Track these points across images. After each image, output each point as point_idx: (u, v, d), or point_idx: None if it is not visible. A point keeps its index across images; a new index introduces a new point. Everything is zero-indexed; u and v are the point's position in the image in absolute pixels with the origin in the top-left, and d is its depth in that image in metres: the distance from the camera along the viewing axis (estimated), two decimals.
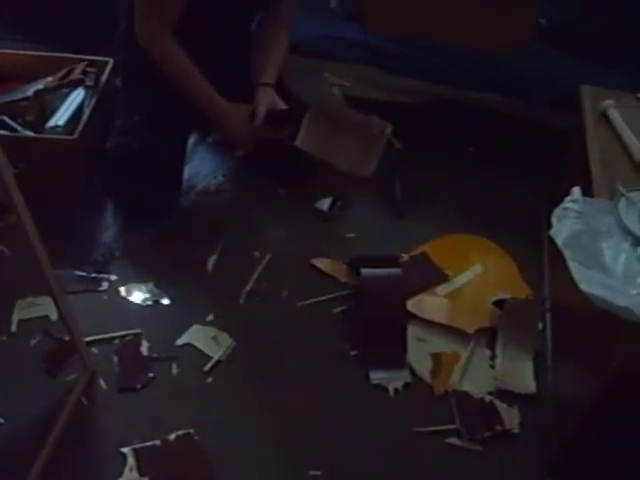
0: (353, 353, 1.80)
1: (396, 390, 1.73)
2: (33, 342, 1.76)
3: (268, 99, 2.02)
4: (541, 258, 2.02)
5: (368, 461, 1.59)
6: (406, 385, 1.73)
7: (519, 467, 1.58)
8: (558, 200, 1.51)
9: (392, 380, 1.74)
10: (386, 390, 1.72)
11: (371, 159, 2.08)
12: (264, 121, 2.00)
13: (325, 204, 2.20)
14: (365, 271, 1.85)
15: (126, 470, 1.50)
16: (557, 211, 1.46)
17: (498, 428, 1.63)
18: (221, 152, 2.40)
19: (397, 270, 1.88)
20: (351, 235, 2.13)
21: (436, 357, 1.79)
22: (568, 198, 1.48)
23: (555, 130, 2.15)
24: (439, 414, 1.67)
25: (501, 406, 1.68)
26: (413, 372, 1.76)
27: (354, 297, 1.93)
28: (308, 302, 1.92)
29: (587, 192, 1.52)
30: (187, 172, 2.25)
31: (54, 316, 1.75)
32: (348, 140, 2.09)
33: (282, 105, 2.03)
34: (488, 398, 1.69)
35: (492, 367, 1.77)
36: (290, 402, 1.69)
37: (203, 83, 1.97)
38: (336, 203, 2.21)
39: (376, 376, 1.75)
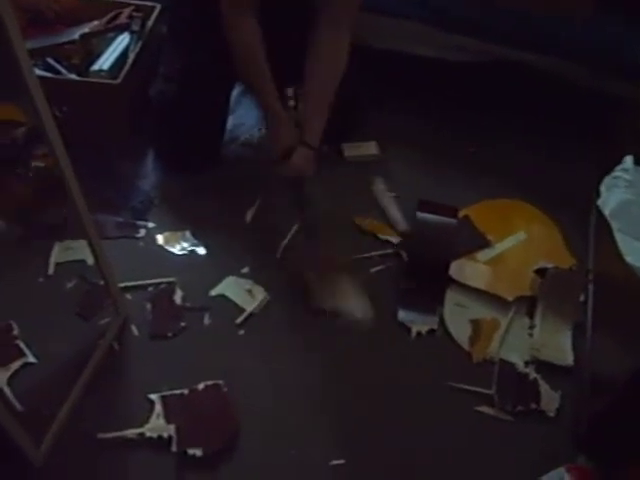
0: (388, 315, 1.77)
1: (419, 333, 1.72)
2: (69, 285, 1.78)
3: (300, 162, 1.81)
4: (587, 228, 1.95)
5: (385, 408, 1.60)
6: (431, 332, 1.72)
7: (549, 440, 1.54)
8: (609, 169, 1.44)
9: (418, 322, 1.74)
10: (409, 331, 1.72)
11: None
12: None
13: None
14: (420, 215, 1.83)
15: (153, 417, 1.51)
16: (606, 180, 1.41)
17: (533, 406, 1.59)
18: None
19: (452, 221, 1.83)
20: (393, 195, 2.08)
21: (476, 323, 1.76)
22: (619, 167, 1.42)
23: (609, 97, 2.06)
24: (475, 380, 1.64)
25: (544, 386, 1.63)
26: (451, 338, 1.73)
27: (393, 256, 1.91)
28: None
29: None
30: (231, 123, 2.23)
31: (90, 260, 1.75)
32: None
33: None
34: (533, 375, 1.64)
35: (531, 336, 1.73)
36: (320, 357, 1.68)
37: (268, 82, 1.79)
38: None
39: (403, 315, 1.75)
